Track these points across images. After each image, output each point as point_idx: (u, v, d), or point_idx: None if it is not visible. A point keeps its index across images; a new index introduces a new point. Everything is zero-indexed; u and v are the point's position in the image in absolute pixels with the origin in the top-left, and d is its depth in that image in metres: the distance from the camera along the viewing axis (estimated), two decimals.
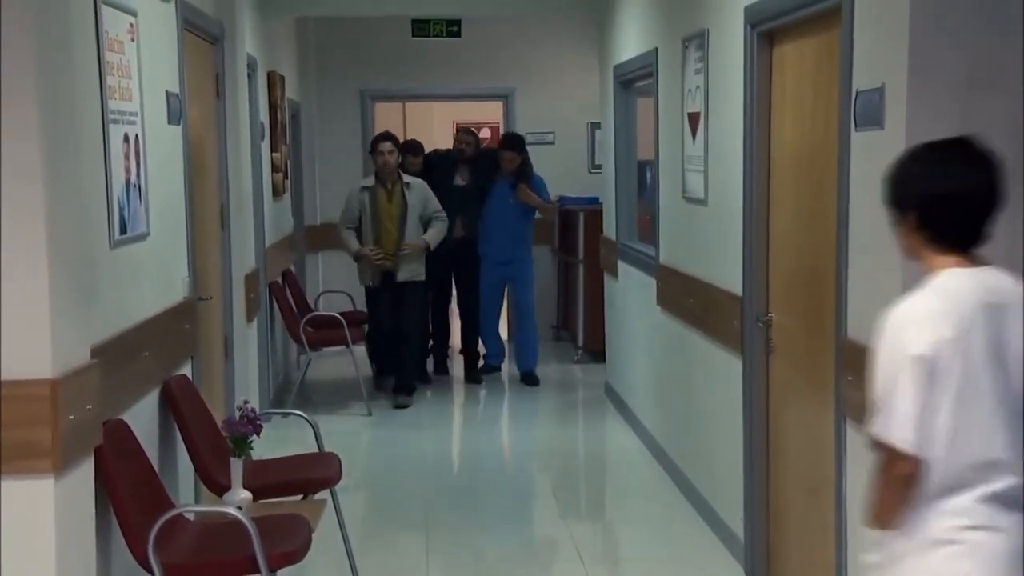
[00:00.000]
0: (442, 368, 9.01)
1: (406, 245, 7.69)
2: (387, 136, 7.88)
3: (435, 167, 8.69)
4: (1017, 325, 2.39)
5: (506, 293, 8.85)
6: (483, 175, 8.64)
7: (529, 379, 8.63)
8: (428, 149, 9.08)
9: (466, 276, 8.74)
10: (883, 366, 2.40)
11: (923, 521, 2.38)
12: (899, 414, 2.35)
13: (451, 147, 8.97)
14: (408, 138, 9.19)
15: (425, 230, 7.82)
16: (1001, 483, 2.36)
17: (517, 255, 8.63)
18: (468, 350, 8.85)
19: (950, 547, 2.37)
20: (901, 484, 2.38)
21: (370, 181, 7.85)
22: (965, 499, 2.37)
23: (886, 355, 2.40)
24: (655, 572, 4.94)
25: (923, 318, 2.36)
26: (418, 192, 7.82)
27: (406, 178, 7.81)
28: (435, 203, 7.87)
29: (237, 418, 3.98)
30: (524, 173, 8.55)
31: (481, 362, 8.90)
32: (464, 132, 8.99)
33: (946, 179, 2.44)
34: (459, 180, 8.67)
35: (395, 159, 7.74)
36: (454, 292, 8.98)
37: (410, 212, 7.71)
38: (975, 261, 2.44)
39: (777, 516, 4.51)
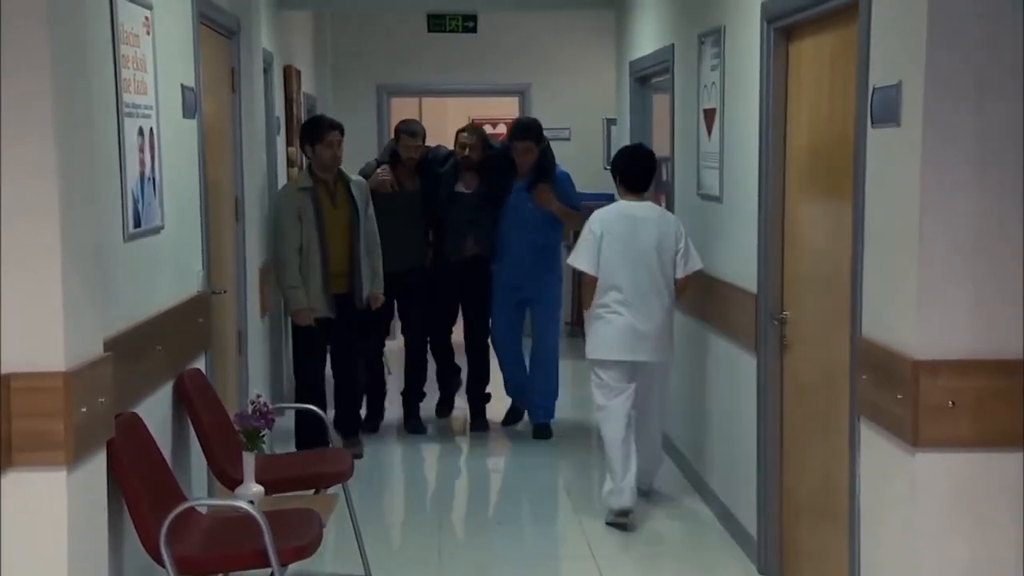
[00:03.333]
0: (447, 410, 7.37)
1: (374, 295, 6.31)
2: (334, 123, 6.29)
3: (430, 169, 6.91)
4: (646, 229, 5.28)
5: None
6: (495, 180, 6.82)
7: (541, 432, 6.93)
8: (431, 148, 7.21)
9: (477, 302, 7.00)
10: (582, 235, 5.35)
11: (595, 306, 5.30)
12: (584, 256, 5.30)
13: (453, 147, 7.05)
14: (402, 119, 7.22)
15: None
16: (624, 293, 5.23)
17: (539, 277, 6.86)
18: (475, 391, 7.16)
19: (601, 319, 5.30)
20: (590, 287, 5.31)
21: (307, 180, 6.15)
22: (609, 297, 5.26)
23: (584, 230, 5.37)
24: (667, 569, 4.93)
25: (600, 216, 5.33)
26: (363, 192, 6.27)
27: (349, 175, 6.30)
28: (372, 215, 6.31)
29: (249, 412, 3.98)
30: (543, 169, 6.72)
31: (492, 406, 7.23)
32: (466, 131, 6.98)
33: (631, 160, 5.51)
34: (462, 187, 6.88)
35: (341, 152, 6.21)
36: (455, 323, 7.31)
37: (361, 219, 6.15)
38: (640, 197, 5.42)
39: (791, 514, 4.49)
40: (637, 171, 5.44)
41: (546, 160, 6.78)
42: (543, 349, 6.97)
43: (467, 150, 6.84)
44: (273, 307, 6.77)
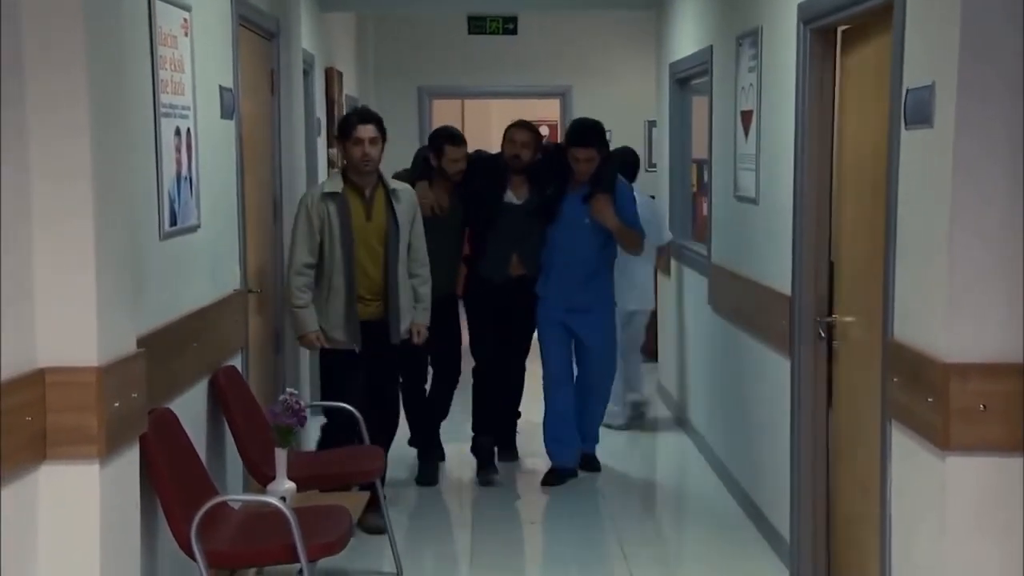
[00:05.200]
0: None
1: (417, 327, 5.19)
2: (367, 115, 5.14)
3: (477, 176, 5.83)
4: None
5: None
6: (547, 188, 5.84)
7: (588, 463, 6.21)
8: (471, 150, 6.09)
9: (519, 327, 6.09)
10: (660, 213, 7.08)
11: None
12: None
13: (501, 151, 5.98)
14: (441, 126, 6.16)
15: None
16: None
17: (592, 300, 5.92)
18: (504, 427, 6.33)
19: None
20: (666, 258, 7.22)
21: (335, 184, 5.03)
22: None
23: (653, 211, 6.81)
24: (700, 573, 4.91)
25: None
26: (408, 204, 5.12)
27: (392, 182, 5.13)
28: (420, 230, 5.20)
29: (279, 410, 4.01)
30: (602, 179, 5.78)
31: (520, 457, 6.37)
32: (518, 127, 5.92)
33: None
34: (512, 197, 5.89)
35: (378, 152, 5.02)
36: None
37: (401, 236, 5.04)
38: None
39: (828, 519, 4.47)
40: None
41: (606, 168, 5.83)
42: (594, 386, 6.12)
43: (518, 148, 5.81)
44: None
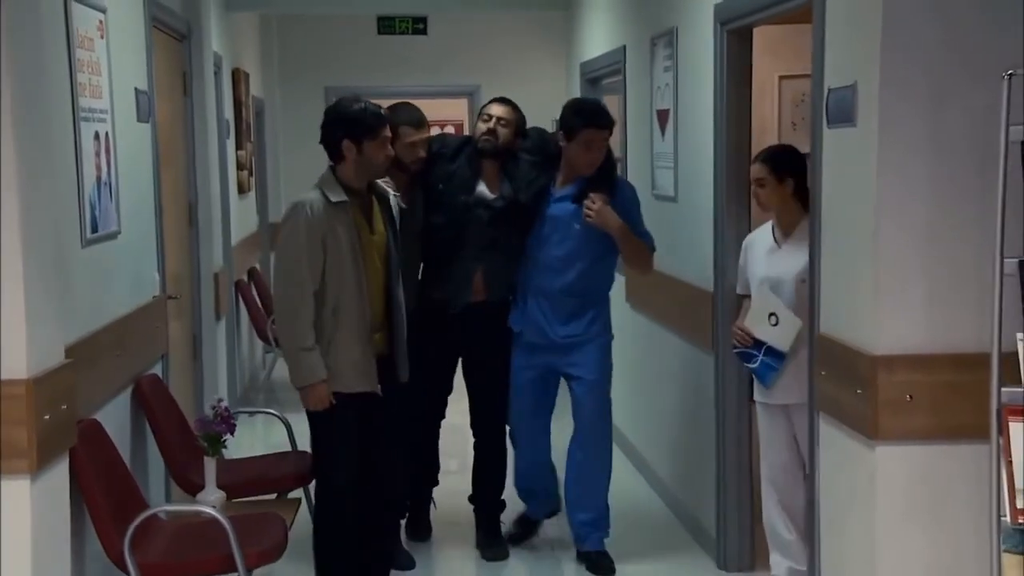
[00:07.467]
0: (423, 529, 5.10)
1: None
2: (384, 113, 4.15)
3: (438, 163, 4.65)
4: None
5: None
6: (531, 180, 4.65)
7: (597, 564, 4.72)
8: None
9: (485, 366, 4.82)
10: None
11: None
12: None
13: (471, 134, 4.89)
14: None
15: None
16: None
17: (582, 333, 4.64)
18: (485, 497, 5.03)
19: None
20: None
21: (338, 192, 3.98)
22: None
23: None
24: (625, 568, 4.95)
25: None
26: (395, 206, 4.30)
27: (374, 183, 4.21)
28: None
29: (211, 417, 3.95)
30: (600, 175, 4.58)
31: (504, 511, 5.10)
32: (498, 101, 4.76)
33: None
34: (485, 190, 4.69)
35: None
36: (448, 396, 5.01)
37: (399, 247, 4.21)
38: None
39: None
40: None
41: (608, 163, 4.64)
42: (587, 442, 4.77)
43: (494, 123, 4.62)
44: (230, 311, 6.72)
